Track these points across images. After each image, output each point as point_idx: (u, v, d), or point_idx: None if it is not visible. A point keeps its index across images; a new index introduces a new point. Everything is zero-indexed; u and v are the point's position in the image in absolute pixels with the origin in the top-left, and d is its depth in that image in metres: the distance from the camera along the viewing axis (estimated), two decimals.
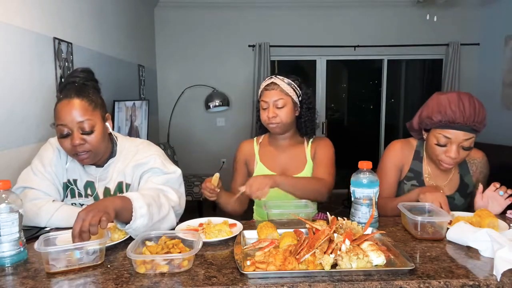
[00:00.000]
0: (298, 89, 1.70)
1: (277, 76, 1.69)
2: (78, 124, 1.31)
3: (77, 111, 1.31)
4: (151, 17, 4.92)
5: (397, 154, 1.63)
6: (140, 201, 1.18)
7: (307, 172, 1.70)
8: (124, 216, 1.15)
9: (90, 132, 1.34)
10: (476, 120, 1.38)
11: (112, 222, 1.14)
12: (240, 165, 1.80)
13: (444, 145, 1.43)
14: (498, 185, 1.44)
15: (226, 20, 5.02)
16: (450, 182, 1.60)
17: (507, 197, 1.41)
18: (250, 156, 1.79)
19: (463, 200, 1.58)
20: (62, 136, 1.33)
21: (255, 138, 1.83)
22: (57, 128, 1.33)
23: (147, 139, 1.60)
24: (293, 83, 1.69)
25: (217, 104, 4.82)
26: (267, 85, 1.68)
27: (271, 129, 1.71)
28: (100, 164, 1.45)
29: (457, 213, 1.42)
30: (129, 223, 1.16)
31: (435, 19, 4.09)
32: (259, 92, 1.73)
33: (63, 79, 2.33)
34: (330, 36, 5.06)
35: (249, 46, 5.05)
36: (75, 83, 1.38)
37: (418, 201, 1.43)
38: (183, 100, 5.04)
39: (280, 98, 1.64)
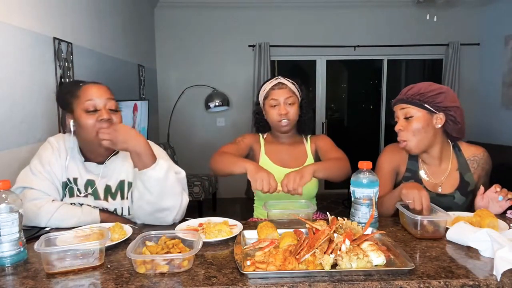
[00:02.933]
0: (300, 90, 1.79)
1: (282, 77, 1.76)
2: (106, 101, 1.40)
3: (104, 90, 1.42)
4: (151, 17, 4.92)
5: (392, 157, 1.66)
6: (163, 161, 1.32)
7: None
8: (143, 160, 1.27)
9: (115, 111, 1.42)
10: (414, 94, 1.54)
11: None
12: (246, 144, 1.81)
13: (396, 122, 1.61)
14: (499, 188, 1.43)
15: (226, 20, 5.03)
16: (449, 180, 1.60)
17: (507, 200, 1.41)
18: (256, 146, 1.83)
19: (464, 198, 1.58)
20: (88, 112, 1.37)
21: (260, 134, 1.88)
22: (84, 105, 1.37)
23: (147, 139, 1.60)
24: (296, 84, 1.78)
25: (217, 104, 4.82)
26: (275, 85, 1.74)
27: (280, 127, 1.75)
28: (101, 161, 1.46)
29: (457, 213, 1.42)
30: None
31: (435, 19, 4.09)
32: (264, 93, 1.77)
33: (63, 79, 2.33)
34: (330, 36, 5.06)
35: (249, 46, 5.05)
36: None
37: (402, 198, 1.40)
38: (183, 100, 5.04)
39: (290, 96, 1.72)
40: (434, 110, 1.52)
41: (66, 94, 1.44)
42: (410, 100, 1.54)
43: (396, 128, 1.57)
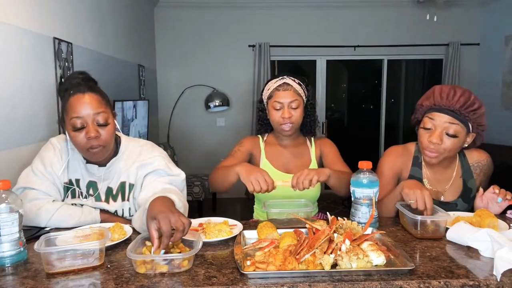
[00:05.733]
0: (306, 90, 1.72)
1: (288, 76, 1.68)
2: (94, 116, 1.32)
3: (92, 104, 1.33)
4: (151, 17, 4.92)
5: (395, 161, 1.60)
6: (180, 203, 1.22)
7: None
8: None
9: (105, 125, 1.34)
10: (463, 105, 1.40)
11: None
12: (243, 152, 1.74)
13: (429, 129, 1.45)
14: (497, 189, 1.42)
15: (226, 20, 5.03)
16: (453, 187, 1.57)
17: (505, 200, 1.41)
18: (256, 150, 1.77)
19: (466, 205, 1.55)
20: (75, 129, 1.32)
21: (259, 136, 1.82)
22: (71, 121, 1.32)
23: (147, 139, 1.61)
24: (303, 84, 1.70)
25: (217, 104, 4.82)
26: (280, 85, 1.66)
27: (283, 130, 1.69)
28: (103, 163, 1.45)
29: (457, 213, 1.42)
30: None
31: (435, 19, 4.09)
32: (268, 92, 1.70)
33: (63, 79, 2.33)
34: (330, 36, 5.06)
35: (249, 46, 5.05)
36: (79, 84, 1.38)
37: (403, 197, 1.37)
38: (183, 100, 5.05)
39: (295, 99, 1.65)
40: (471, 131, 1.45)
41: (62, 98, 1.39)
42: (459, 115, 1.40)
43: (433, 140, 1.42)
